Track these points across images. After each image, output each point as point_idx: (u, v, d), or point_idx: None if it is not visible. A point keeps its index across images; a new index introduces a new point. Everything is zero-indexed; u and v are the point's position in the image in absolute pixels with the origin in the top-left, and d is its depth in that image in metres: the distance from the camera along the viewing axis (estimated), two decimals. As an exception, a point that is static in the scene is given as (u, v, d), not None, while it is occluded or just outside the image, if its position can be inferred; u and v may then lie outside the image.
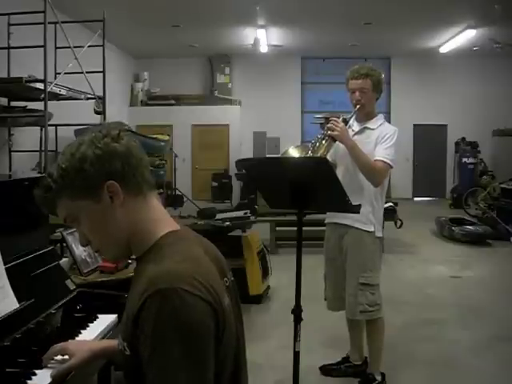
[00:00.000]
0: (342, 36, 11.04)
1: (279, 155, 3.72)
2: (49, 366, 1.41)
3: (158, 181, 9.56)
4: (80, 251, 2.53)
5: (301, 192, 2.10)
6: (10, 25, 6.44)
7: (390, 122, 3.20)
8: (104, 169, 1.09)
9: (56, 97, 6.24)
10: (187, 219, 5.32)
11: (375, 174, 2.80)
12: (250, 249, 4.69)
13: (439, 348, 3.69)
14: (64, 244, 2.75)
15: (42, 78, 5.51)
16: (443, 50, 11.92)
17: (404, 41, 11.55)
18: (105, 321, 1.86)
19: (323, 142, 2.79)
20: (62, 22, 6.28)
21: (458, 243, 7.52)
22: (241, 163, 9.94)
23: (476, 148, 12.52)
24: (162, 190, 9.95)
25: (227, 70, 13.30)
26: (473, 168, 12.25)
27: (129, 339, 1.04)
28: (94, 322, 1.85)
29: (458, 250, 7.23)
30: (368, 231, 2.89)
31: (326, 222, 3.11)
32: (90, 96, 6.81)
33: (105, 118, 6.87)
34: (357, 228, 2.89)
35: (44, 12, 5.46)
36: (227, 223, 4.60)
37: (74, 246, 2.50)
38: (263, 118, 13.17)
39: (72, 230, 2.54)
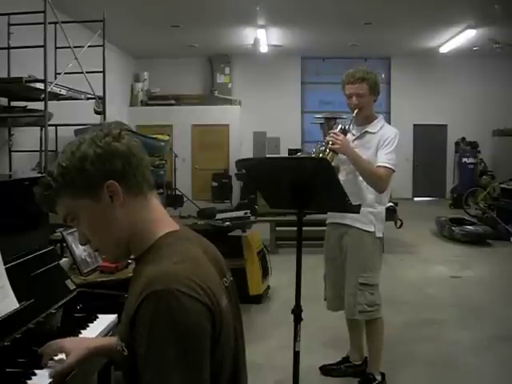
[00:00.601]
0: (341, 36, 11.03)
1: (280, 155, 3.72)
2: (48, 365, 1.42)
3: (158, 181, 9.56)
4: (80, 251, 2.53)
5: (301, 192, 2.10)
6: (9, 25, 6.44)
7: (389, 123, 3.19)
8: (104, 168, 1.09)
9: (56, 97, 6.24)
10: (187, 219, 5.32)
11: (378, 180, 2.80)
12: (250, 249, 4.69)
13: (439, 348, 3.69)
14: (64, 244, 2.75)
15: (42, 77, 5.51)
16: (443, 49, 11.92)
17: (404, 41, 11.54)
18: (105, 321, 1.86)
19: (325, 154, 2.78)
20: (62, 22, 6.28)
21: (457, 243, 7.52)
22: (241, 163, 9.93)
23: (476, 148, 12.51)
24: (162, 190, 9.95)
25: (227, 70, 13.29)
26: (473, 168, 12.25)
27: (126, 340, 1.04)
28: (94, 321, 1.85)
29: (458, 250, 7.23)
30: (368, 231, 2.88)
31: (327, 221, 3.11)
32: (89, 96, 6.81)
33: (105, 118, 6.87)
34: (357, 228, 2.89)
35: (44, 12, 5.45)
36: (227, 223, 4.61)
37: (73, 245, 2.50)
38: (263, 118, 13.17)
39: (72, 230, 2.54)
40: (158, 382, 0.96)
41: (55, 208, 1.15)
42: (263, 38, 10.75)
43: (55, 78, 6.19)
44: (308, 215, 5.24)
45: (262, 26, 9.99)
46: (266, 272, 4.84)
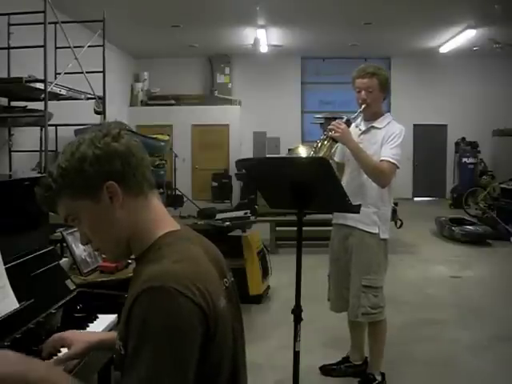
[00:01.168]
0: (341, 36, 11.03)
1: (280, 155, 3.73)
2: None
3: (158, 181, 9.56)
4: (80, 251, 2.53)
5: (301, 192, 2.10)
6: (9, 25, 6.44)
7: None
8: (103, 169, 1.09)
9: (56, 97, 6.24)
10: (187, 219, 5.33)
11: (380, 175, 2.77)
12: (250, 249, 4.69)
13: (439, 348, 3.69)
14: (64, 244, 2.75)
15: (42, 77, 5.51)
16: (443, 49, 11.92)
17: (404, 41, 11.54)
18: (105, 321, 1.86)
19: (325, 142, 2.78)
20: (62, 22, 6.28)
21: (457, 243, 7.52)
22: (241, 163, 9.94)
23: (476, 148, 12.52)
24: (162, 190, 9.95)
25: (227, 70, 13.29)
26: (473, 168, 12.25)
27: (124, 338, 1.05)
28: (94, 322, 1.85)
29: (458, 250, 7.23)
30: (372, 233, 2.85)
31: (332, 222, 3.09)
32: (90, 96, 6.81)
33: (105, 118, 6.87)
34: (361, 229, 2.86)
35: (44, 12, 5.45)
36: (227, 223, 4.61)
37: (73, 245, 2.50)
38: (263, 118, 13.17)
39: (72, 230, 2.54)
40: (144, 376, 0.95)
41: (56, 209, 1.15)
42: (263, 38, 10.75)
43: (55, 78, 6.20)
44: (308, 215, 5.24)
45: (262, 26, 9.99)
46: (265, 272, 4.83)
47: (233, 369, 1.13)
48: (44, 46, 5.47)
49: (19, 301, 1.65)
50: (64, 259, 2.47)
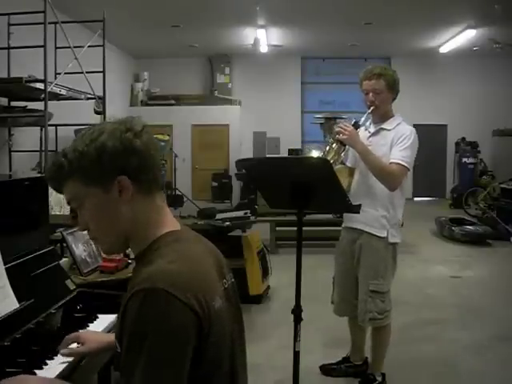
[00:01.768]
0: (341, 36, 11.03)
1: (280, 155, 3.73)
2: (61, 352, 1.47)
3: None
4: (80, 251, 2.53)
5: (301, 192, 2.10)
6: (9, 25, 6.44)
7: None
8: (120, 163, 1.09)
9: (56, 97, 6.24)
10: (187, 219, 5.33)
11: (388, 177, 2.72)
12: (250, 249, 4.69)
13: (439, 348, 3.69)
14: (64, 244, 2.74)
15: (42, 77, 5.51)
16: (443, 49, 11.91)
17: (404, 41, 11.54)
18: (105, 321, 1.86)
19: (333, 146, 2.76)
20: (62, 22, 6.28)
21: (457, 243, 7.52)
22: (241, 163, 9.94)
23: (476, 148, 12.51)
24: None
25: (227, 70, 13.29)
26: (473, 168, 12.25)
27: (119, 337, 1.05)
28: (94, 322, 1.85)
29: (457, 250, 7.23)
30: (380, 236, 2.81)
31: (342, 225, 3.07)
32: (90, 96, 6.81)
33: (105, 118, 6.86)
34: (368, 233, 2.83)
35: (44, 12, 5.45)
36: (227, 223, 4.61)
37: (73, 246, 2.50)
38: (263, 118, 13.16)
39: (72, 230, 2.54)
40: (136, 376, 0.96)
41: (62, 189, 1.14)
42: (263, 38, 10.75)
43: (55, 78, 6.19)
44: (308, 215, 5.24)
45: (261, 26, 9.99)
46: (266, 272, 4.83)
47: (231, 369, 1.13)
48: (44, 46, 5.47)
49: (19, 301, 1.65)
50: (64, 259, 2.47)
